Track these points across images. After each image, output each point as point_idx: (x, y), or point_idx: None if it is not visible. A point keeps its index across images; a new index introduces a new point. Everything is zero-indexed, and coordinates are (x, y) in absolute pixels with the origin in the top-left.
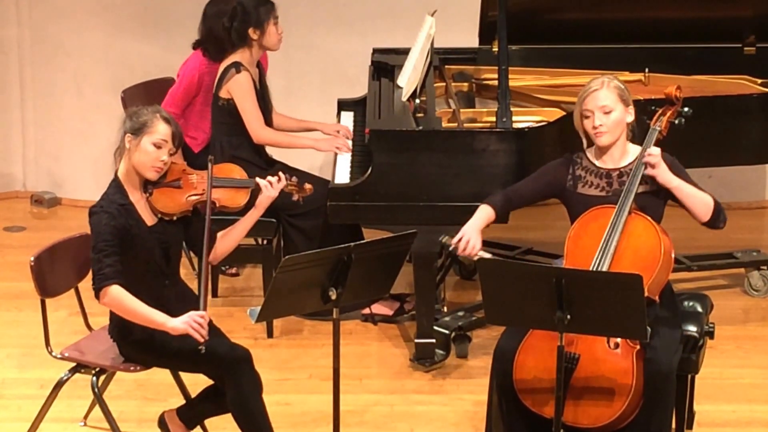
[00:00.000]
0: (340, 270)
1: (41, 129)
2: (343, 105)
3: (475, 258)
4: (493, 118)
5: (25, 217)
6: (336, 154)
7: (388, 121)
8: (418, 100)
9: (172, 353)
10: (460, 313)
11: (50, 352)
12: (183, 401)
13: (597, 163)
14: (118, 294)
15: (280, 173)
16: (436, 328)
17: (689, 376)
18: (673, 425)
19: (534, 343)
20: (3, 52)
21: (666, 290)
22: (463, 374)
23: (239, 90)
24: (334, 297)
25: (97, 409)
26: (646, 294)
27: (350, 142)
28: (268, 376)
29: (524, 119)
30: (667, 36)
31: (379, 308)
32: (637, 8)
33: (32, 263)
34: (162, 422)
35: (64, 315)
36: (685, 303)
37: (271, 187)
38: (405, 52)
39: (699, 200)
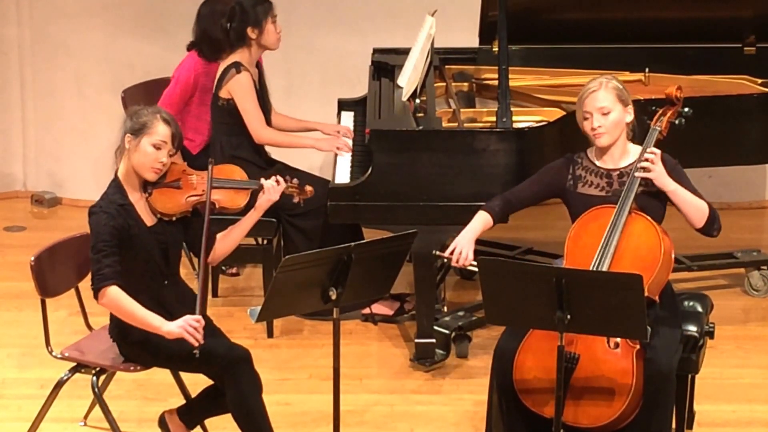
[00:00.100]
0: (340, 270)
1: (42, 129)
2: (343, 105)
3: (469, 268)
4: (494, 118)
5: (26, 216)
6: (336, 154)
7: (388, 121)
8: (418, 100)
9: (169, 354)
10: (460, 313)
11: (50, 352)
12: (183, 401)
13: (597, 162)
14: (116, 295)
15: (279, 177)
16: (436, 328)
17: (689, 376)
18: (673, 425)
19: (534, 343)
20: (3, 52)
21: (666, 290)
22: (463, 374)
23: (240, 90)
24: (334, 297)
25: (97, 409)
26: (646, 294)
27: (350, 142)
28: (268, 376)
29: (524, 119)
30: (667, 36)
31: (379, 308)
32: (637, 8)
33: (32, 263)
34: (162, 422)
35: (64, 315)
36: (685, 303)
37: (275, 188)
38: (405, 52)
39: (694, 207)
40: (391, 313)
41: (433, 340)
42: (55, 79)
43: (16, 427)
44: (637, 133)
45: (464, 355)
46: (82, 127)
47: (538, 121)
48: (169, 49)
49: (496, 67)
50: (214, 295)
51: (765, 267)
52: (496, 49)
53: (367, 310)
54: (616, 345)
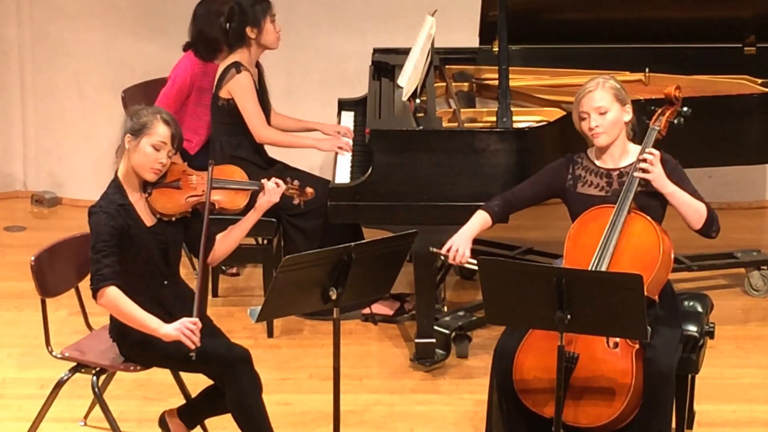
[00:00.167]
0: (340, 270)
1: (42, 129)
2: (343, 105)
3: (466, 265)
4: (494, 118)
5: (26, 216)
6: (336, 154)
7: (388, 121)
8: (418, 100)
9: (168, 354)
10: (461, 313)
11: (50, 352)
12: (183, 401)
13: (597, 162)
14: (114, 296)
15: (279, 181)
16: (436, 327)
17: (689, 376)
18: (673, 425)
19: (534, 343)
20: (3, 52)
21: (666, 290)
22: (463, 374)
23: (240, 90)
24: (334, 297)
25: (97, 408)
26: (645, 293)
27: (350, 142)
28: (268, 376)
29: (524, 119)
30: (667, 36)
31: (379, 308)
32: (637, 8)
33: (33, 263)
34: (162, 422)
35: (64, 315)
36: (686, 303)
37: (276, 190)
38: (405, 52)
39: (692, 208)
40: (391, 313)
41: (433, 340)
42: (55, 79)
43: (16, 426)
44: (638, 133)
45: (464, 355)
46: (82, 127)
47: (538, 121)
48: (169, 49)
49: (496, 67)
50: (214, 295)
51: (765, 267)
52: (496, 49)
53: (367, 310)
54: (616, 345)
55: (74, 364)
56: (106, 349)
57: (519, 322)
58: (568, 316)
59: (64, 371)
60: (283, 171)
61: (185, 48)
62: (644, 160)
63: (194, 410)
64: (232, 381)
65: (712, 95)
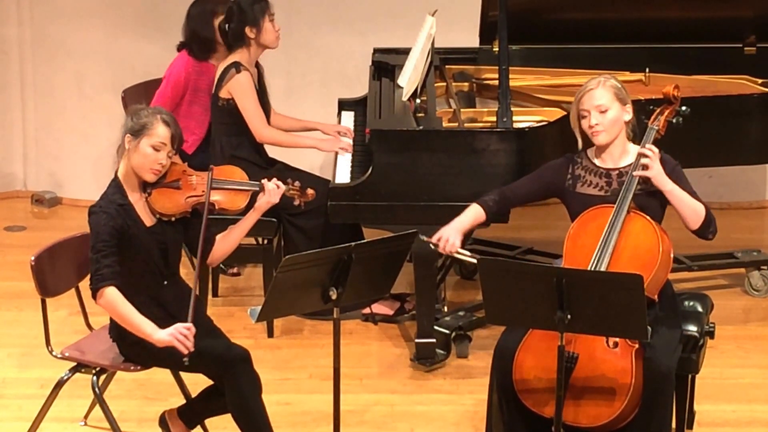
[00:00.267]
0: (340, 270)
1: (42, 128)
2: (343, 105)
3: (456, 255)
4: (494, 118)
5: (26, 216)
6: (336, 154)
7: (388, 120)
8: (418, 100)
9: (167, 355)
10: (461, 313)
11: (51, 352)
12: (183, 401)
13: (597, 162)
14: (113, 297)
15: (279, 182)
16: (436, 327)
17: (689, 376)
18: (673, 425)
19: (533, 343)
20: (4, 52)
21: (666, 290)
22: (463, 374)
23: (240, 90)
24: (334, 297)
25: (97, 408)
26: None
27: (351, 142)
28: (268, 376)
29: (525, 119)
30: (667, 36)
31: (379, 308)
32: (637, 8)
33: (33, 263)
34: (163, 422)
35: (64, 314)
36: (686, 303)
37: (276, 191)
38: (405, 51)
39: (690, 208)
40: (391, 312)
41: (434, 340)
42: (55, 79)
43: (16, 426)
44: (638, 134)
45: (464, 355)
46: (82, 127)
47: (538, 121)
48: (169, 49)
49: (497, 67)
50: (214, 295)
51: (765, 267)
52: (496, 49)
53: (367, 310)
54: (615, 344)
55: (74, 364)
56: (106, 349)
57: (519, 322)
58: (568, 316)
59: (64, 371)
60: (284, 171)
61: (179, 48)
62: (644, 155)
63: (194, 410)
64: (232, 381)
65: (712, 95)
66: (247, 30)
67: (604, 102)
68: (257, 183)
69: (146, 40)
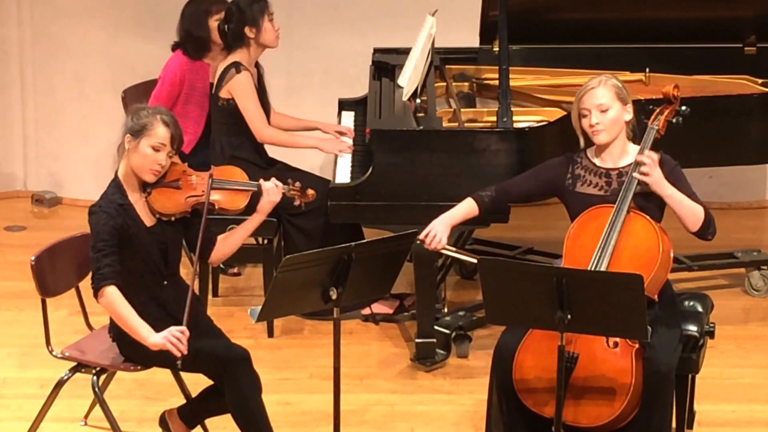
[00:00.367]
0: (340, 269)
1: (42, 128)
2: (344, 105)
3: (442, 251)
4: (494, 118)
5: (26, 216)
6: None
7: (388, 120)
8: (418, 100)
9: (162, 357)
10: (461, 313)
11: (51, 352)
12: (183, 401)
13: (597, 162)
14: (112, 297)
15: (278, 183)
16: (436, 327)
17: (689, 376)
18: (673, 425)
19: (533, 343)
20: (4, 52)
21: (666, 290)
22: (463, 374)
23: (240, 90)
24: (334, 296)
25: (97, 408)
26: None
27: (351, 142)
28: (268, 375)
29: (525, 119)
30: (667, 36)
31: (379, 307)
32: (638, 8)
33: (33, 263)
34: (163, 421)
35: (64, 314)
36: (686, 303)
37: (275, 189)
38: (406, 51)
39: (690, 211)
40: (391, 311)
41: (434, 340)
42: (55, 79)
43: (16, 426)
44: (638, 133)
45: (464, 355)
46: (82, 127)
47: (538, 121)
48: (169, 50)
49: (497, 67)
50: (215, 295)
51: (765, 267)
52: (496, 49)
53: (367, 311)
54: (615, 344)
55: (74, 363)
56: (106, 348)
57: (519, 322)
58: (568, 316)
59: (65, 371)
60: (284, 171)
61: (174, 47)
62: (642, 163)
63: (194, 410)
64: (232, 381)
65: (712, 95)
66: (247, 30)
67: (605, 101)
68: (257, 183)
69: (146, 40)
